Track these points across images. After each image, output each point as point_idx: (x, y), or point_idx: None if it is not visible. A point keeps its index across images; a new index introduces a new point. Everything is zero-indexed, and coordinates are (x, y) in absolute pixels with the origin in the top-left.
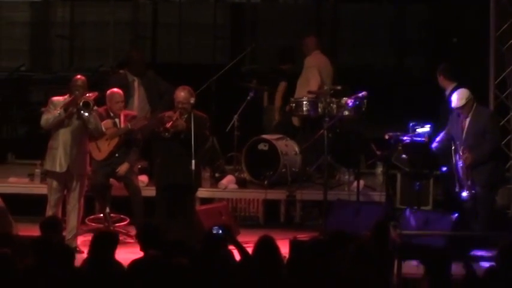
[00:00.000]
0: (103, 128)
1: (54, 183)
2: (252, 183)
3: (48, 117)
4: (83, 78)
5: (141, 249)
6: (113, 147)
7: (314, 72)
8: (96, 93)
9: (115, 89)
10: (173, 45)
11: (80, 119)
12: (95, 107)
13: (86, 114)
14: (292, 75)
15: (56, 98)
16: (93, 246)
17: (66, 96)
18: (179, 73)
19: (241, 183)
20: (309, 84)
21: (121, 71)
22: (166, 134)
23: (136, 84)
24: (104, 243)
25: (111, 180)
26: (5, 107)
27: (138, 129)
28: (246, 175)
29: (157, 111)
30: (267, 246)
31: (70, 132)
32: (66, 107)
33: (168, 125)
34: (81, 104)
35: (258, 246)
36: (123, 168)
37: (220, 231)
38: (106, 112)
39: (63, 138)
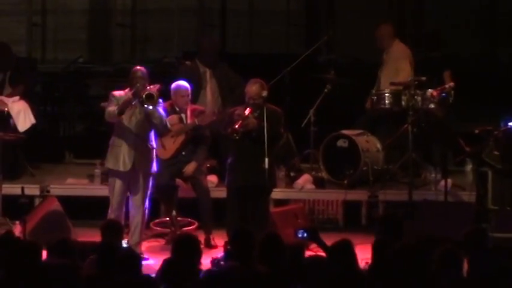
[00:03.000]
0: (168, 124)
1: (117, 184)
2: (330, 182)
3: (110, 109)
4: (143, 69)
5: (228, 257)
6: (179, 145)
7: (405, 64)
8: (158, 86)
9: (181, 82)
10: (243, 34)
11: (143, 113)
12: (160, 100)
13: (150, 107)
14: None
15: (117, 93)
16: (175, 251)
17: (126, 90)
18: (250, 64)
19: (319, 183)
20: (398, 77)
21: (187, 62)
22: (235, 135)
23: (208, 75)
24: (187, 248)
25: (178, 180)
26: (61, 102)
27: (206, 126)
28: (324, 174)
29: (228, 107)
30: (343, 251)
31: (134, 128)
32: (126, 102)
33: (237, 125)
34: (144, 96)
35: (334, 251)
36: (190, 168)
37: (306, 235)
38: (171, 107)
39: (126, 134)
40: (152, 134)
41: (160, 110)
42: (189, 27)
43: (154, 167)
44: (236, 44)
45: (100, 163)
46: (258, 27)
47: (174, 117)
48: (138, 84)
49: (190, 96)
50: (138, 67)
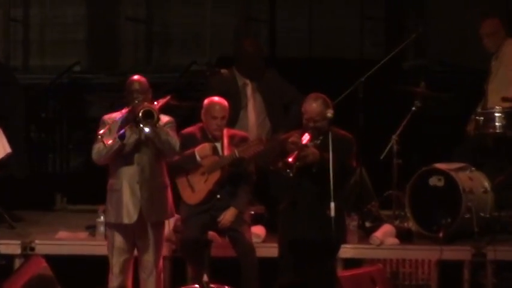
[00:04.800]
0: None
1: (119, 240)
2: (420, 236)
3: (100, 147)
4: (142, 79)
5: None
6: (212, 186)
7: None
8: (167, 98)
9: (215, 98)
10: (300, 33)
11: (146, 138)
12: (168, 119)
13: (147, 129)
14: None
15: (110, 117)
16: None
17: (124, 111)
18: (309, 73)
19: (405, 237)
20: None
21: (223, 70)
22: (289, 171)
23: (250, 89)
24: None
25: (211, 233)
26: (50, 127)
27: (249, 159)
28: (411, 224)
29: (279, 132)
30: None
31: (137, 162)
32: (124, 125)
33: (292, 157)
34: (140, 114)
35: None
36: (228, 216)
37: None
38: (201, 132)
39: (128, 172)
40: (164, 166)
41: (167, 130)
42: (226, 23)
43: (172, 211)
44: (290, 46)
45: (103, 210)
46: (316, 24)
47: (205, 147)
48: (136, 101)
49: (227, 117)
50: (136, 77)
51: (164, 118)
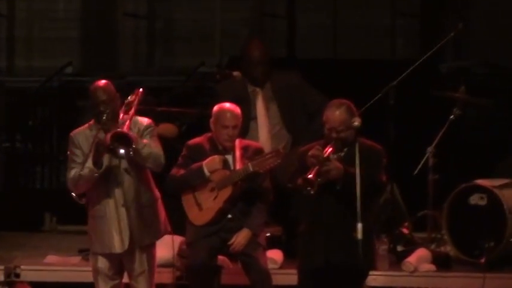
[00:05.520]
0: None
1: (103, 266)
2: (460, 261)
3: (75, 176)
4: (107, 85)
5: None
6: (222, 204)
7: None
8: (137, 93)
9: (226, 105)
10: (323, 30)
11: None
12: (145, 122)
13: (122, 151)
14: None
15: (78, 133)
16: None
17: (91, 123)
18: (333, 76)
19: (442, 262)
20: None
21: (235, 73)
22: (309, 189)
23: (261, 97)
24: None
25: (220, 258)
26: (39, 136)
27: (266, 173)
28: (449, 248)
29: (301, 143)
30: None
31: (119, 183)
32: (95, 153)
33: (313, 173)
34: (109, 141)
35: None
36: (240, 239)
37: None
38: (210, 143)
39: (110, 196)
40: (151, 177)
41: (146, 141)
42: (239, 19)
43: (166, 227)
44: (312, 45)
45: None
46: (344, 19)
47: (215, 160)
48: (103, 116)
49: (239, 127)
50: (100, 84)
51: (142, 121)
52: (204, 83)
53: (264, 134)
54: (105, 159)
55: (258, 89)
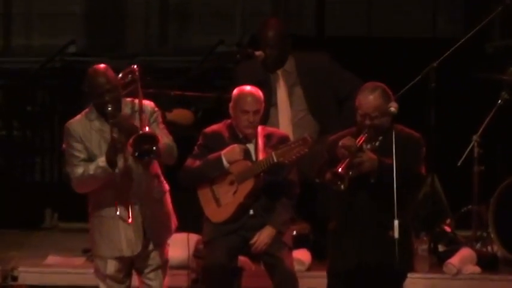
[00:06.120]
0: (224, 161)
1: (111, 268)
2: (507, 262)
3: (83, 174)
4: (109, 71)
5: None
6: (243, 199)
7: None
8: (130, 70)
9: (247, 88)
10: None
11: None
12: (151, 108)
13: (144, 156)
14: None
15: (76, 123)
16: None
17: (87, 110)
18: (367, 56)
19: (489, 263)
20: None
21: (258, 53)
22: (340, 184)
23: (282, 81)
24: None
25: (241, 259)
26: (38, 124)
27: (292, 164)
28: (496, 248)
29: (330, 132)
30: None
31: (131, 177)
32: (110, 152)
33: (343, 166)
34: (132, 144)
35: None
36: (263, 238)
37: None
38: (230, 131)
39: (121, 192)
40: (158, 165)
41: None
42: None
43: (175, 222)
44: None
45: None
46: None
47: (234, 150)
48: (108, 107)
49: (261, 112)
50: (100, 68)
51: (144, 104)
52: (222, 64)
53: (284, 121)
54: (119, 158)
55: (279, 72)
